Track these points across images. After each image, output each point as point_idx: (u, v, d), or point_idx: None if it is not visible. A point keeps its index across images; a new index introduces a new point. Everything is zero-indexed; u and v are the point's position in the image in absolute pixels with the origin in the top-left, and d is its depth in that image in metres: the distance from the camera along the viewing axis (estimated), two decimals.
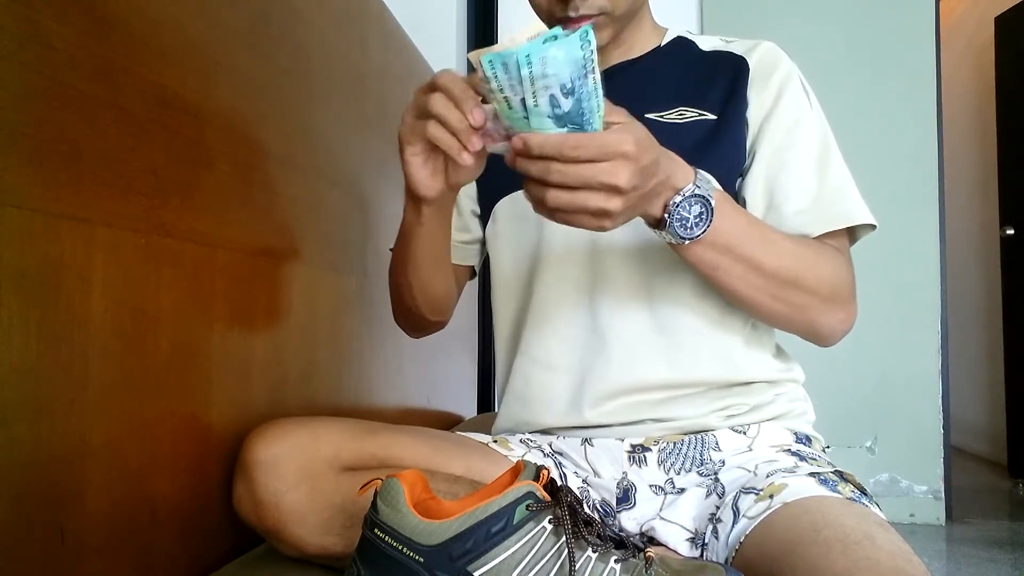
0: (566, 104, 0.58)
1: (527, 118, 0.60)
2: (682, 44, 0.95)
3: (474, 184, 1.00)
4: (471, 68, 0.62)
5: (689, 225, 0.70)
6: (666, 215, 0.69)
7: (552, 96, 0.58)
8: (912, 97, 2.47)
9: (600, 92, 0.60)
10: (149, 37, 0.70)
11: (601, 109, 0.61)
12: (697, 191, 0.69)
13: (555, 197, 0.62)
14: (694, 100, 0.88)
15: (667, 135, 0.87)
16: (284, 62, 0.99)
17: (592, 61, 0.57)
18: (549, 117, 0.59)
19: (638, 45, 0.94)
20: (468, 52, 2.54)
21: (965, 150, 3.93)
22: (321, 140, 1.12)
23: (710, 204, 0.70)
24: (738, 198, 0.87)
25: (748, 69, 0.89)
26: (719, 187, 0.73)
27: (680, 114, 0.88)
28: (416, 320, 0.97)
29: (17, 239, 0.54)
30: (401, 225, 0.84)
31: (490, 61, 0.56)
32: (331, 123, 1.15)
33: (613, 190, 0.61)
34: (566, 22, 0.83)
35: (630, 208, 0.64)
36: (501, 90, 0.58)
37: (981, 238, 3.78)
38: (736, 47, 0.92)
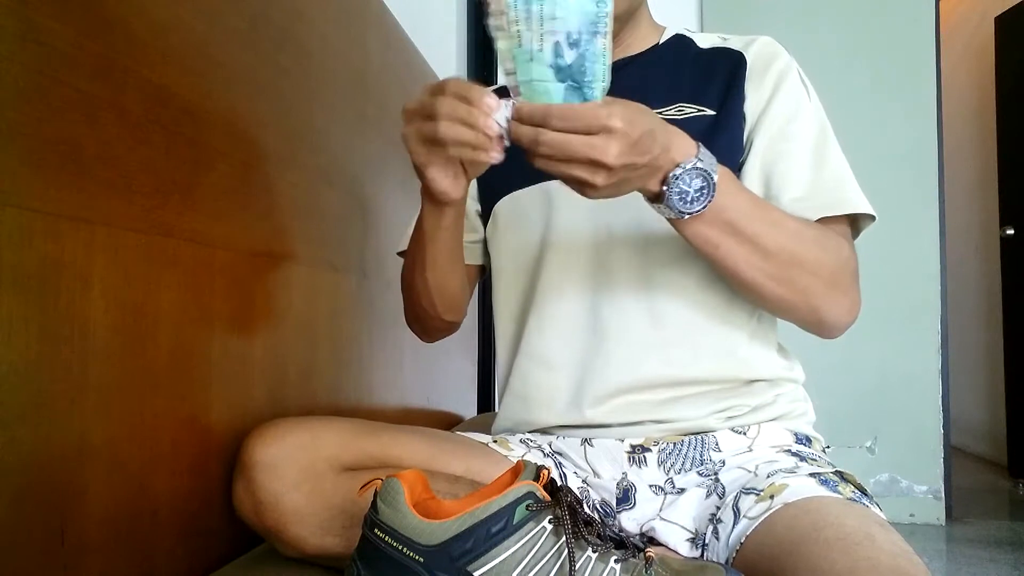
0: (569, 56, 0.58)
1: (531, 61, 0.59)
2: (680, 42, 0.95)
3: (475, 183, 1.00)
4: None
5: (689, 199, 0.68)
6: (665, 188, 0.68)
7: (557, 44, 0.57)
8: (912, 97, 2.46)
9: (608, 61, 0.59)
10: (149, 37, 0.70)
11: (606, 80, 0.60)
12: (699, 164, 0.67)
13: (541, 162, 0.63)
14: (693, 96, 0.89)
15: None
16: (284, 62, 0.99)
17: (604, 24, 0.57)
18: (551, 67, 0.59)
19: (636, 43, 0.94)
20: (467, 55, 2.54)
21: (965, 150, 3.93)
22: (321, 140, 1.12)
23: (712, 178, 0.68)
24: None
25: (746, 64, 0.89)
26: (722, 165, 0.72)
27: (679, 110, 0.88)
28: (432, 323, 0.98)
29: (17, 239, 0.54)
30: (418, 231, 0.85)
31: None
32: (331, 123, 1.15)
33: (598, 165, 0.61)
34: None
35: (619, 182, 0.64)
36: (516, 22, 0.57)
37: (981, 238, 3.78)
38: (733, 43, 0.92)
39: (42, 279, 0.56)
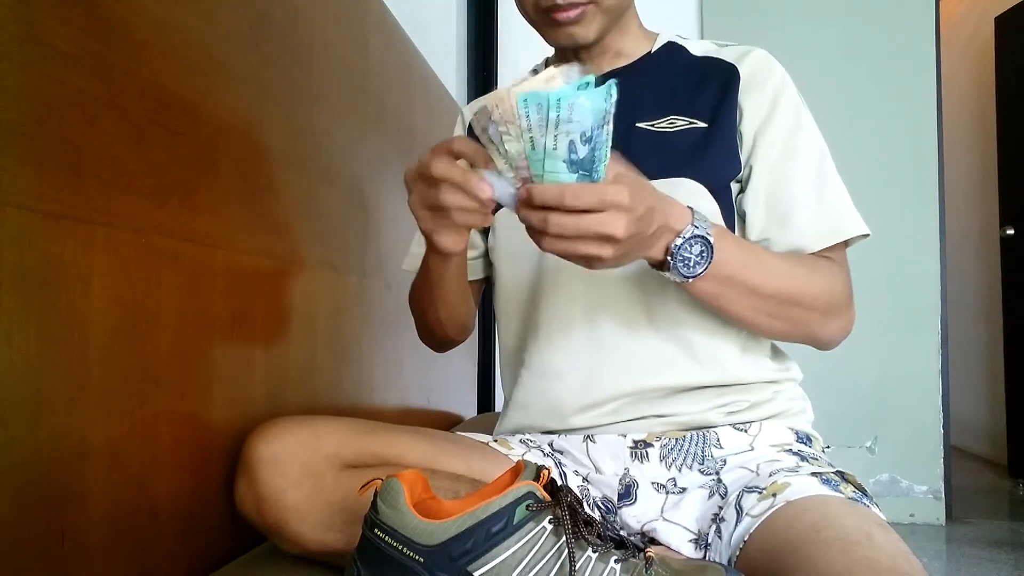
0: (582, 151, 0.61)
1: (544, 158, 0.61)
2: (673, 50, 0.95)
3: None
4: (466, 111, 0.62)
5: (692, 264, 0.72)
6: (668, 257, 0.71)
7: (571, 142, 0.60)
8: (912, 97, 2.46)
9: (610, 142, 0.62)
10: (149, 37, 0.70)
11: (607, 158, 0.63)
12: (697, 231, 0.71)
13: (550, 243, 0.64)
14: (684, 108, 0.89)
15: (658, 144, 0.88)
16: (284, 62, 0.99)
17: (611, 113, 0.60)
18: (564, 162, 0.61)
19: (628, 51, 0.94)
20: (467, 55, 2.53)
21: (965, 150, 3.93)
22: (321, 140, 1.12)
23: (710, 242, 0.72)
24: (736, 210, 0.87)
25: (739, 77, 0.89)
26: (713, 222, 0.74)
27: (670, 122, 0.88)
28: (443, 340, 1.03)
29: (17, 239, 0.54)
30: (424, 271, 0.89)
31: (525, 100, 0.58)
32: (331, 123, 1.15)
33: (607, 239, 0.63)
34: (553, 11, 0.83)
35: (625, 254, 0.66)
36: (530, 129, 0.60)
37: (981, 238, 3.78)
38: (727, 53, 0.92)
39: (42, 279, 0.56)
